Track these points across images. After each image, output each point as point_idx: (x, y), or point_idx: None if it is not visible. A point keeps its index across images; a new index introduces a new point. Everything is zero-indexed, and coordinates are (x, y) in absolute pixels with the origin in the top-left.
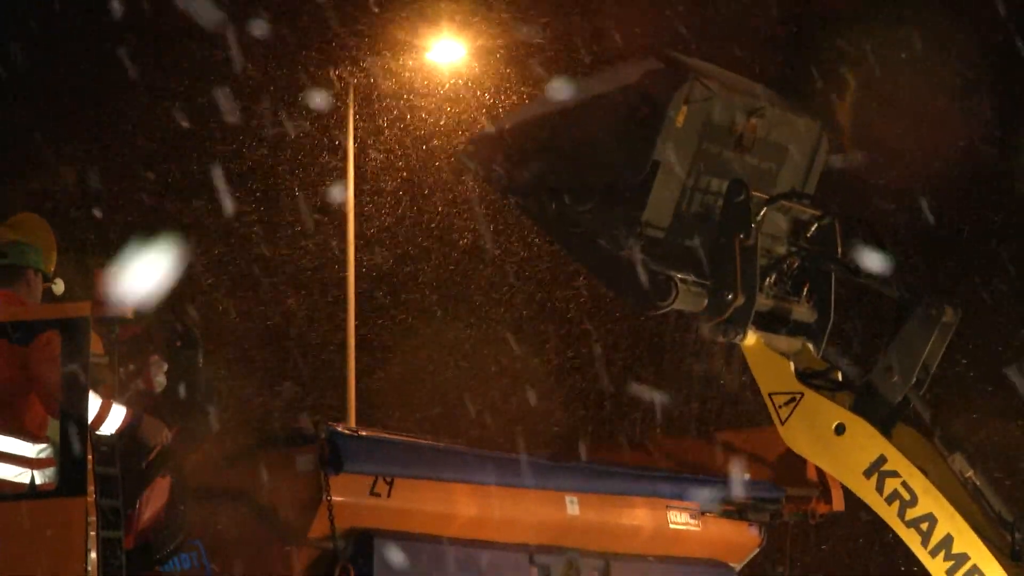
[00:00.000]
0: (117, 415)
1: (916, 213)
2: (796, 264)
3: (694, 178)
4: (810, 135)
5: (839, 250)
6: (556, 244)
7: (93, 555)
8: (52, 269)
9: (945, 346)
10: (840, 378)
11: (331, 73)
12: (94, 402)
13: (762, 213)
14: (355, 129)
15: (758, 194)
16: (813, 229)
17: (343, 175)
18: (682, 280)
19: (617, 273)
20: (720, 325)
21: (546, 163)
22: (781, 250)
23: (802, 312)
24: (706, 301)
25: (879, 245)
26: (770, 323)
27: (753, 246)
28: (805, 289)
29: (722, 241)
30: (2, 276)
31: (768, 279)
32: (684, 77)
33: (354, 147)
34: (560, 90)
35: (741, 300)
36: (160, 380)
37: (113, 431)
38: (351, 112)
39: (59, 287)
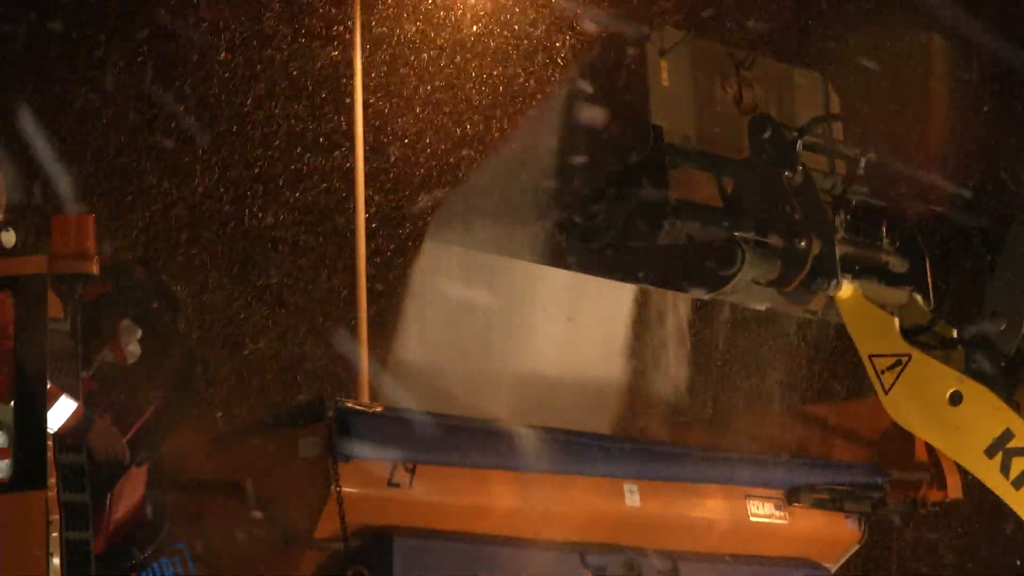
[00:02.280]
0: (63, 408)
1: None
2: (857, 206)
3: (708, 138)
4: (814, 86)
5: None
6: (584, 273)
7: (56, 560)
8: (1, 217)
9: None
10: (955, 335)
11: None
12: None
13: (799, 146)
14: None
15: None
16: (862, 166)
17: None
18: (744, 240)
19: (664, 265)
20: (805, 282)
21: (535, 198)
22: (836, 190)
23: (891, 260)
24: (779, 262)
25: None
26: (863, 274)
27: (806, 182)
28: (884, 233)
29: (767, 188)
30: None
31: (837, 220)
32: (648, 30)
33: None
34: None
35: (817, 245)
36: (133, 349)
37: (53, 428)
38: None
39: (9, 238)
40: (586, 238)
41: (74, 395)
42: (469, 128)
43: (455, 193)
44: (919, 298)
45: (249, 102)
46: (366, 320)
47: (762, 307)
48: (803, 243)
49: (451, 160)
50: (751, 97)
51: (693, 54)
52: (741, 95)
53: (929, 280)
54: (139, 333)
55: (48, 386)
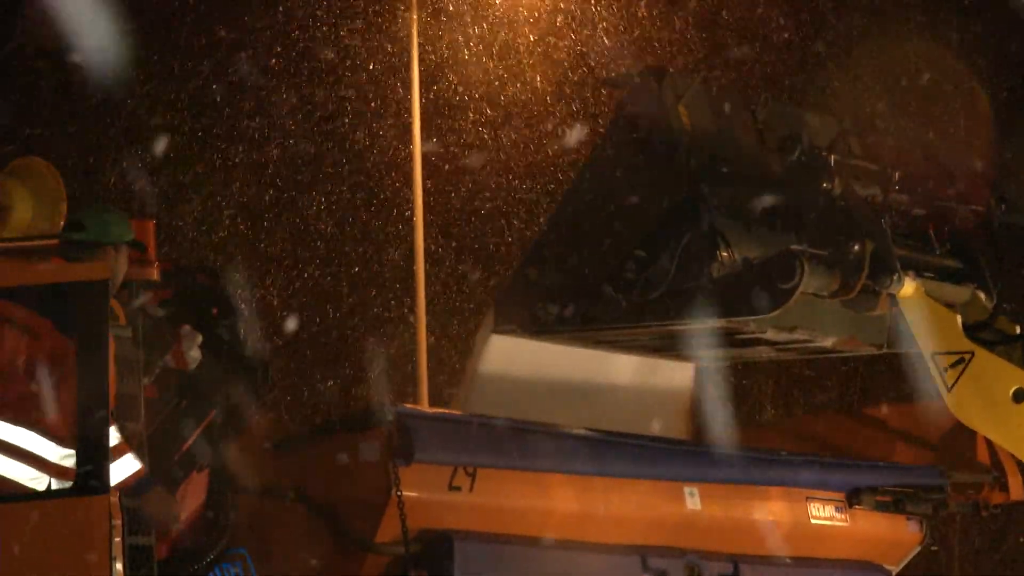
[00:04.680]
0: (126, 466)
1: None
2: (900, 214)
3: (738, 169)
4: (830, 131)
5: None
6: (651, 328)
7: (119, 565)
8: (62, 224)
9: None
10: (1018, 330)
11: None
12: (113, 436)
13: (832, 160)
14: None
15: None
16: (895, 180)
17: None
18: (801, 253)
19: (725, 294)
20: (868, 283)
21: (591, 267)
22: (878, 199)
23: (946, 260)
24: (838, 271)
25: None
26: (923, 273)
27: (847, 189)
28: (932, 235)
29: (809, 202)
30: (81, 254)
31: (883, 223)
32: (660, 75)
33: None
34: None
35: (871, 245)
36: (194, 355)
37: (113, 482)
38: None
39: None
40: (643, 291)
41: (136, 403)
42: None
43: (508, 283)
44: (981, 295)
45: None
46: (425, 323)
47: (829, 343)
48: (857, 246)
49: None
50: (770, 132)
51: (708, 97)
52: (760, 132)
53: (987, 276)
54: (200, 339)
55: (118, 440)
